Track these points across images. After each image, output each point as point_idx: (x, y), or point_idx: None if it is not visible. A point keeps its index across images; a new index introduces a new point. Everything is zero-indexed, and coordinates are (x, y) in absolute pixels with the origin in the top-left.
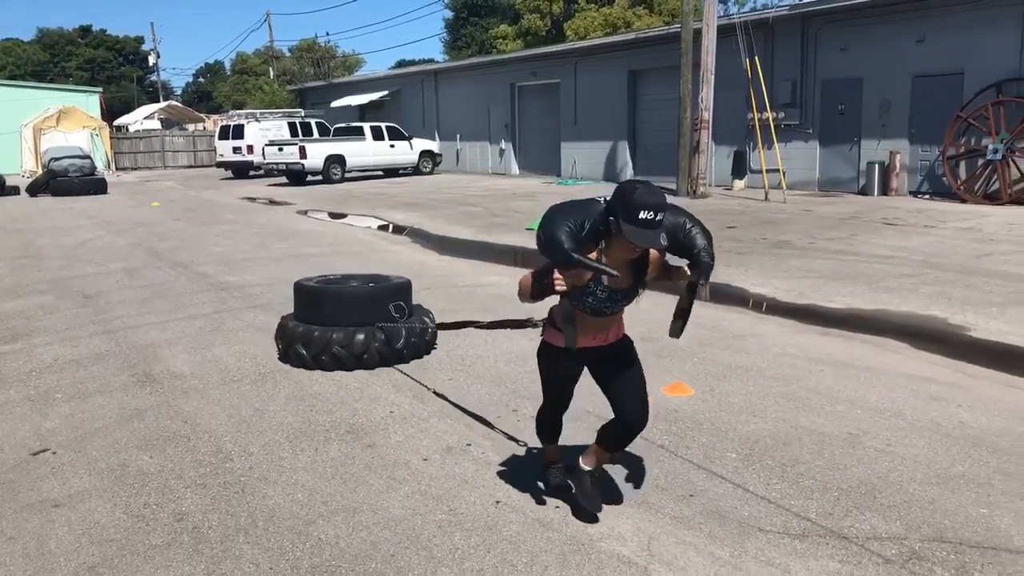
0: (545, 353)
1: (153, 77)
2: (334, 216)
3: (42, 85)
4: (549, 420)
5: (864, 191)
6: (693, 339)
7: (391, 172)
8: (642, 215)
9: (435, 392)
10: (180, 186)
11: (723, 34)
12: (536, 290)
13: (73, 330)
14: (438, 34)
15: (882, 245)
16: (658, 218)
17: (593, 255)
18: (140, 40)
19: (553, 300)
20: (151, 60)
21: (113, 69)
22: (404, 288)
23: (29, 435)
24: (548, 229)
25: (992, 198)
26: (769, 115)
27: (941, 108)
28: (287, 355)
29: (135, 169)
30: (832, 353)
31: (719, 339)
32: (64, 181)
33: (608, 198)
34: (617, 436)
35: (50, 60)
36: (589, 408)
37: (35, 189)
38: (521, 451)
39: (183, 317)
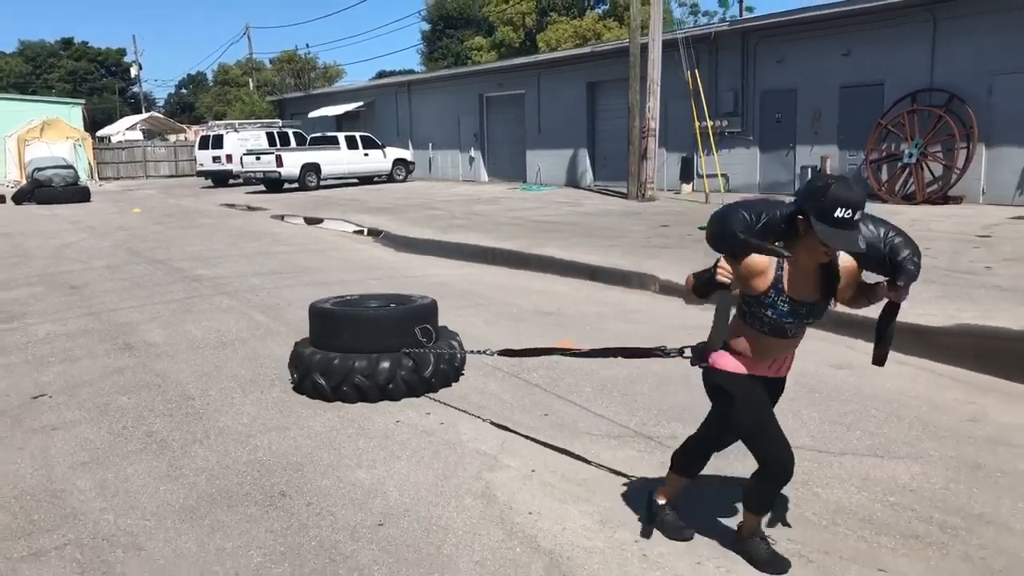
0: (731, 384)
1: (135, 88)
2: (308, 221)
3: (25, 97)
4: (780, 477)
5: None
6: (594, 313)
7: (366, 180)
8: (838, 213)
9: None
10: (161, 194)
11: (672, 48)
12: (700, 284)
13: (62, 313)
14: (415, 45)
15: None
16: (856, 217)
17: None
18: (122, 52)
19: (699, 334)
20: (133, 72)
21: (95, 81)
22: (429, 309)
23: (29, 386)
24: (719, 217)
25: (909, 198)
26: (709, 123)
27: (865, 116)
28: (302, 385)
29: (118, 179)
30: (706, 321)
31: (618, 313)
32: (49, 190)
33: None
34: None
35: (32, 72)
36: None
37: (21, 198)
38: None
39: (159, 302)
